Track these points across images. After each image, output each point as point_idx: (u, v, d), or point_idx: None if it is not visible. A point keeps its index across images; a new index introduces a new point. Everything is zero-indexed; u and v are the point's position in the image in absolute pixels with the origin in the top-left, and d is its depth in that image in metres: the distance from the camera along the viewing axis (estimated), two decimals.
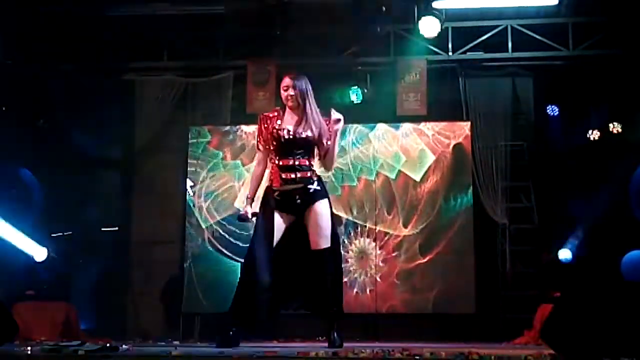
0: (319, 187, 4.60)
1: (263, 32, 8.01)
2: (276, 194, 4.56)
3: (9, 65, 7.91)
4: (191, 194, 8.12)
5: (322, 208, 4.58)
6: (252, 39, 8.21)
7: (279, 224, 4.57)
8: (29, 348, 4.07)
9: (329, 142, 4.64)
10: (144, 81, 8.38)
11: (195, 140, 8.22)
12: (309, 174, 4.58)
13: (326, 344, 4.58)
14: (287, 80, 4.65)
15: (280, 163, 4.56)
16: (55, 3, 7.38)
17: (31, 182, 8.34)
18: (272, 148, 4.61)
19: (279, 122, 4.61)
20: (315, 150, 4.69)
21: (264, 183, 4.75)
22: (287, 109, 4.68)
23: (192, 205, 8.10)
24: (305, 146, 4.59)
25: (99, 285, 8.32)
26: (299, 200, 4.55)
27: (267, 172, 4.72)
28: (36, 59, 8.09)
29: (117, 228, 8.52)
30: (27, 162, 8.34)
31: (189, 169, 8.17)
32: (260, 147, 4.68)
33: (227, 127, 8.22)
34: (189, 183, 8.14)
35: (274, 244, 4.54)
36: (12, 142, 8.07)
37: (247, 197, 4.71)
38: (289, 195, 4.55)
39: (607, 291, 2.98)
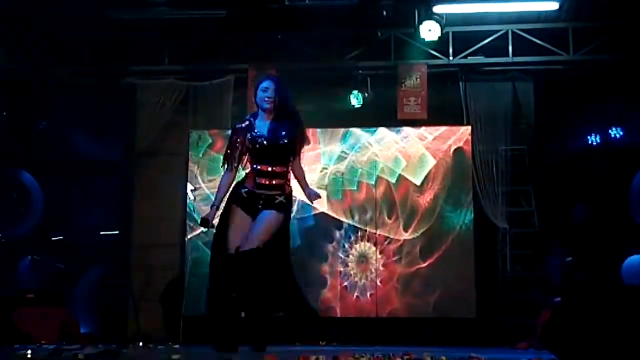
0: (284, 202, 4.58)
1: (264, 36, 8.03)
2: (244, 190, 4.57)
3: (10, 68, 7.93)
4: (191, 197, 8.12)
5: (275, 214, 4.55)
6: (253, 43, 8.23)
7: (239, 222, 4.55)
8: (29, 351, 4.06)
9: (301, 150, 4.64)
10: (145, 85, 8.38)
11: (195, 144, 8.22)
12: (282, 182, 4.58)
13: (328, 348, 4.56)
14: (267, 83, 4.62)
15: (258, 167, 4.57)
16: (56, 6, 7.38)
17: (32, 185, 8.35)
18: (249, 155, 4.61)
19: (253, 131, 4.58)
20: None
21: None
22: (261, 114, 4.65)
23: (192, 209, 8.10)
24: (282, 153, 4.57)
25: (99, 288, 8.33)
26: (260, 205, 4.54)
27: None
28: (37, 63, 8.10)
29: (117, 232, 8.52)
30: (27, 165, 8.36)
31: (189, 172, 8.17)
32: (226, 163, 4.63)
33: (228, 131, 8.18)
34: (189, 187, 8.15)
35: (235, 241, 4.51)
36: (12, 145, 8.09)
37: (212, 205, 4.64)
38: (255, 197, 4.55)
39: (607, 295, 2.98)
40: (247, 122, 4.67)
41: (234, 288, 4.54)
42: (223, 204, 4.70)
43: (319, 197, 4.80)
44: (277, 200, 4.56)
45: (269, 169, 4.54)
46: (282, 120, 4.58)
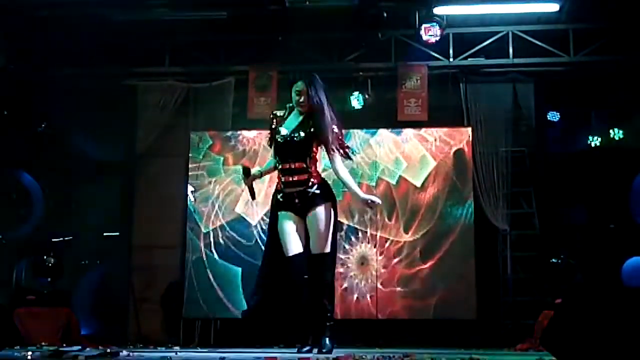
0: (318, 191, 4.58)
1: (265, 37, 8.03)
2: (279, 195, 4.63)
3: (11, 69, 7.93)
4: (192, 199, 8.12)
5: (321, 212, 4.57)
6: (253, 45, 8.23)
7: (286, 222, 4.58)
8: (29, 353, 4.07)
9: (333, 148, 4.62)
10: (146, 86, 8.39)
11: (196, 146, 8.22)
12: (306, 177, 4.57)
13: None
14: (300, 85, 4.61)
15: (280, 167, 4.62)
16: (57, 8, 7.39)
17: (32, 186, 8.35)
18: (273, 150, 4.68)
19: (279, 125, 4.64)
20: (321, 152, 4.67)
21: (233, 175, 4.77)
22: (296, 109, 4.69)
23: (192, 210, 8.10)
24: (301, 148, 4.58)
25: (100, 290, 8.33)
26: (298, 203, 4.56)
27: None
28: (38, 64, 8.11)
29: (118, 233, 8.53)
30: (28, 166, 8.36)
31: (190, 174, 8.18)
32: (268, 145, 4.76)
33: (229, 133, 8.23)
34: (189, 188, 8.15)
35: (294, 244, 4.55)
36: (13, 146, 8.09)
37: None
38: (289, 196, 4.59)
39: (607, 297, 2.98)
40: (283, 112, 4.71)
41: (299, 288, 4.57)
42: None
43: (377, 202, 4.79)
44: (309, 194, 4.57)
45: (288, 166, 4.59)
46: (310, 116, 4.60)
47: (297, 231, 4.56)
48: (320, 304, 4.58)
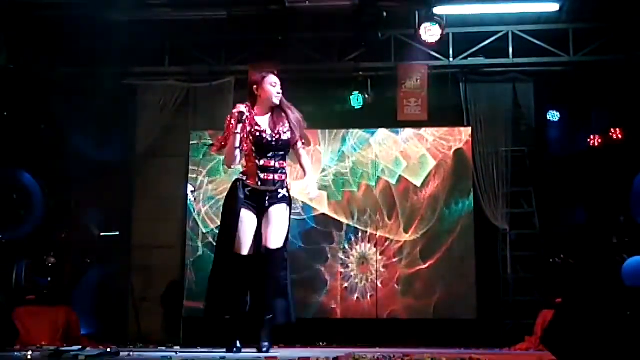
0: (287, 195, 4.66)
1: (265, 37, 8.03)
2: (248, 190, 4.59)
3: (11, 69, 7.93)
4: (192, 198, 8.12)
5: (283, 210, 4.61)
6: (253, 44, 8.23)
7: (248, 224, 4.56)
8: (29, 353, 4.07)
9: (302, 145, 4.71)
10: (146, 86, 8.39)
11: (196, 145, 8.23)
12: (284, 177, 4.65)
13: (328, 349, 4.57)
14: (275, 78, 4.68)
15: (261, 163, 4.59)
16: (57, 8, 7.39)
17: (32, 186, 8.35)
18: (251, 148, 4.62)
19: (256, 125, 4.61)
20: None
21: (232, 175, 4.75)
22: (260, 107, 4.67)
23: (192, 210, 8.10)
24: (285, 148, 4.65)
25: (100, 290, 8.33)
26: (266, 202, 4.58)
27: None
28: (38, 64, 8.10)
29: (117, 232, 8.52)
30: (28, 166, 8.35)
31: (189, 173, 8.18)
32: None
33: None
34: (189, 188, 8.15)
35: (246, 244, 4.54)
36: (13, 146, 8.09)
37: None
38: (260, 194, 4.58)
39: (608, 297, 2.98)
40: (250, 114, 4.65)
41: (248, 288, 4.59)
42: (222, 205, 4.77)
43: (312, 197, 4.87)
44: (280, 195, 4.61)
45: (271, 163, 4.59)
46: (281, 114, 4.63)
47: (253, 232, 4.57)
48: (265, 302, 4.54)
